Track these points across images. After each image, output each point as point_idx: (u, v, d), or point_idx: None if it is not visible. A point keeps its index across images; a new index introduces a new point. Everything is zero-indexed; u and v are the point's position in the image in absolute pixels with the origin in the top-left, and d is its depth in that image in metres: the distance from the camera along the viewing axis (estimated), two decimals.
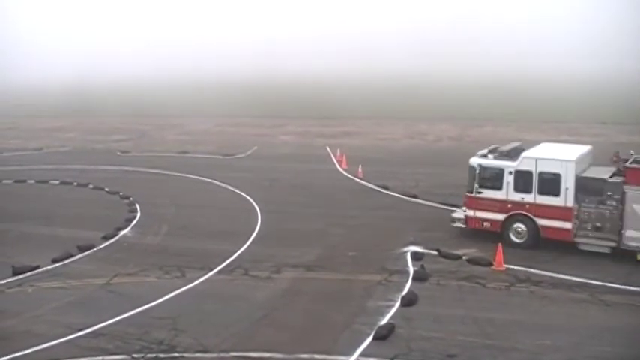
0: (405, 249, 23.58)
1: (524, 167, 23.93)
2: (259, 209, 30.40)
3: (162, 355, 15.76)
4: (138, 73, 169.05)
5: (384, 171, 38.65)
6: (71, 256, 23.92)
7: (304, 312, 18.49)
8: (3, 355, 15.78)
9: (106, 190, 36.08)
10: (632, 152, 23.78)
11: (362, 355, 15.65)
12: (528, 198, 23.87)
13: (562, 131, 51.38)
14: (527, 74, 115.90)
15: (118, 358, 15.77)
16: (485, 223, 24.91)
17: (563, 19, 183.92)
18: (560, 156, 23.86)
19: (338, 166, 41.94)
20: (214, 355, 15.73)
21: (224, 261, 22.75)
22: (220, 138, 58.74)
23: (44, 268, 22.62)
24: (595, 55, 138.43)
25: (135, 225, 28.42)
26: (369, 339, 16.28)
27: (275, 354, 15.61)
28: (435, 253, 23.07)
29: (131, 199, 33.17)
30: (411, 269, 21.42)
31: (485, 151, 25.51)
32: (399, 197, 32.23)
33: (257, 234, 26.44)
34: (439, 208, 29.71)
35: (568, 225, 23.07)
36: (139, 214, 30.08)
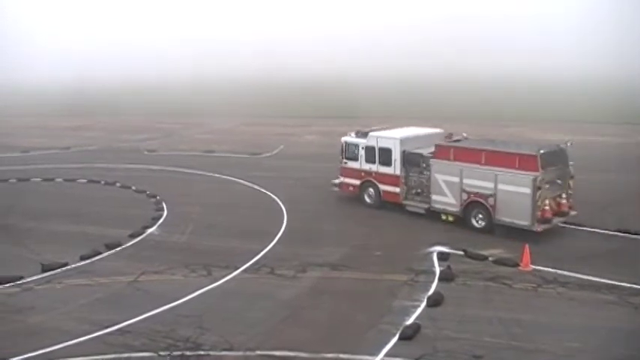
0: (431, 249, 23.69)
1: (370, 143, 30.67)
2: (285, 208, 30.69)
3: (188, 353, 16.00)
4: (161, 73, 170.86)
5: None
6: (99, 253, 24.33)
7: (330, 311, 18.67)
8: (32, 351, 16.14)
9: (133, 188, 36.62)
10: (464, 134, 29.67)
11: (387, 355, 15.77)
12: (373, 168, 30.52)
13: (587, 132, 51.18)
14: (542, 73, 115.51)
15: (144, 355, 16.03)
16: (350, 187, 31.93)
17: (578, 17, 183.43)
18: (393, 135, 30.29)
19: None
20: (240, 353, 15.94)
21: (250, 260, 23.01)
22: (246, 137, 59.17)
23: (72, 266, 23.04)
24: (613, 55, 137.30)
25: (161, 223, 28.84)
26: (395, 339, 16.41)
27: (300, 353, 15.77)
28: (461, 253, 23.14)
29: (158, 197, 33.65)
30: (437, 269, 21.53)
31: (353, 132, 32.26)
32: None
33: (283, 233, 26.71)
34: None
35: (397, 190, 29.53)
36: (165, 213, 30.51)
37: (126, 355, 16.07)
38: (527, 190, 24.23)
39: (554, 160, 25.58)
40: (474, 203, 26.23)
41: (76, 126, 73.45)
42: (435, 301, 18.78)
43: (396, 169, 29.49)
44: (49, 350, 16.28)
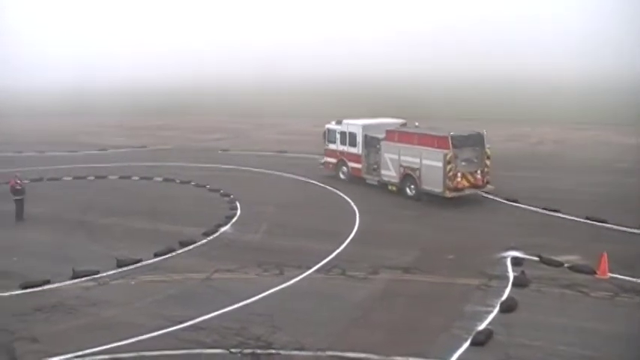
0: (505, 254, 23.21)
1: (343, 129, 38.32)
2: (357, 209, 30.66)
3: (259, 351, 16.08)
4: (234, 73, 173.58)
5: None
6: (173, 250, 24.78)
7: (401, 314, 18.46)
8: (106, 344, 16.54)
9: (207, 187, 37.27)
10: (416, 123, 36.10)
11: None
12: (345, 149, 38.04)
13: None
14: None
15: (215, 352, 16.19)
16: (330, 165, 39.58)
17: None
18: (358, 122, 37.98)
19: None
20: (310, 353, 15.93)
21: (322, 260, 23.03)
22: (318, 138, 59.31)
23: (146, 262, 23.55)
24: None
25: (235, 222, 29.20)
26: (467, 344, 16.09)
27: (371, 355, 15.63)
28: (536, 259, 22.54)
29: (231, 196, 34.11)
30: (511, 275, 21.03)
31: (334, 121, 39.51)
32: (499, 200, 31.81)
33: (355, 234, 26.65)
34: (541, 213, 29.12)
35: (359, 166, 36.95)
36: (239, 212, 30.88)
37: (197, 351, 16.27)
38: (440, 164, 30.75)
39: (469, 142, 31.62)
40: (407, 176, 33.13)
41: (151, 125, 75.33)
42: (508, 307, 18.33)
43: (359, 149, 36.94)
44: (122, 344, 16.62)
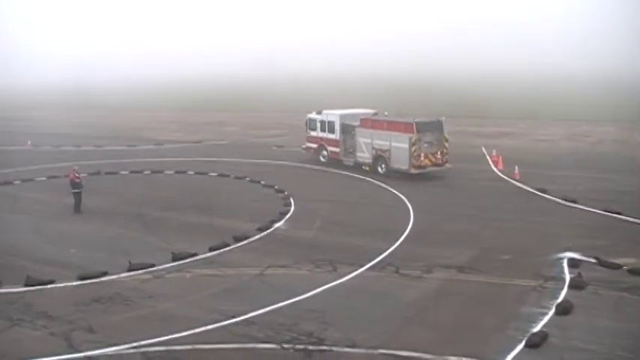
0: (562, 255, 22.83)
1: (323, 118, 44.24)
2: (412, 208, 30.58)
3: (311, 348, 16.21)
4: (303, 69, 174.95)
5: (542, 173, 37.86)
6: (227, 245, 25.12)
7: (455, 314, 18.39)
8: (162, 336, 16.93)
9: (262, 183, 37.66)
10: (386, 112, 43.16)
11: None
12: (325, 135, 44.13)
13: None
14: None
15: (268, 347, 16.37)
16: (311, 150, 45.76)
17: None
18: (336, 112, 44.11)
19: (493, 167, 41.40)
20: (362, 350, 15.99)
21: (375, 258, 23.06)
22: None
23: (201, 256, 23.95)
24: None
25: (289, 218, 29.47)
26: (521, 346, 15.92)
27: (423, 354, 15.60)
28: (594, 261, 22.13)
29: (286, 192, 34.42)
30: (567, 277, 20.69)
31: (314, 112, 45.44)
32: (557, 201, 31.28)
33: (409, 232, 26.61)
34: (599, 214, 28.58)
35: (337, 149, 43.11)
36: (292, 208, 31.16)
37: (250, 345, 16.49)
38: (406, 146, 37.11)
39: (430, 128, 38.13)
40: (379, 157, 39.50)
41: (211, 121, 76.32)
42: (564, 309, 18.06)
43: (337, 135, 43.00)
44: (176, 336, 16.97)
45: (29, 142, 59.51)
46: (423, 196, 33.13)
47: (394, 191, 34.39)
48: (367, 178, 38.23)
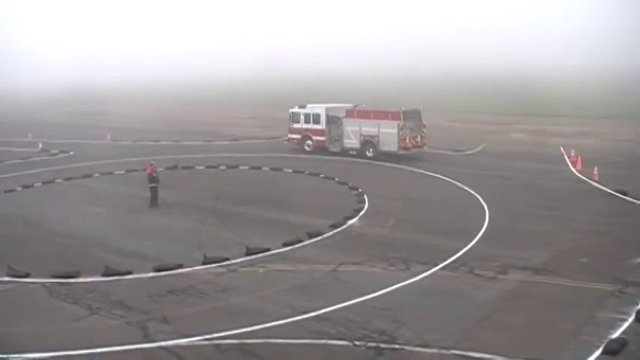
0: None
1: (307, 111, 49.68)
2: (487, 207, 30.14)
3: (382, 346, 16.18)
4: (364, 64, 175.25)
5: (623, 174, 36.79)
6: (300, 241, 25.32)
7: (529, 317, 17.98)
8: (234, 329, 17.22)
9: (336, 179, 37.79)
10: (364, 104, 49.82)
11: None
12: (309, 126, 49.34)
13: None
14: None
15: (340, 343, 16.43)
16: (294, 140, 50.79)
17: None
18: (321, 106, 49.79)
19: (572, 167, 40.38)
20: (434, 350, 15.88)
21: (449, 257, 22.85)
22: (450, 133, 58.92)
23: (275, 251, 24.18)
24: None
25: (362, 215, 29.47)
26: (598, 352, 15.46)
27: (496, 357, 15.37)
28: None
29: (359, 189, 34.43)
30: None
31: (297, 106, 50.99)
32: (638, 204, 30.33)
33: (484, 232, 26.24)
34: None
35: (324, 138, 48.38)
36: (366, 205, 31.15)
37: (322, 341, 16.59)
38: (395, 131, 43.77)
39: (412, 115, 44.87)
40: (367, 142, 45.65)
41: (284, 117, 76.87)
42: None
43: (323, 125, 48.45)
44: (249, 330, 17.22)
45: (108, 136, 61.29)
46: (499, 195, 32.57)
47: (469, 190, 33.96)
48: (442, 177, 37.87)
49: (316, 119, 48.85)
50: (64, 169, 44.57)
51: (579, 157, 40.77)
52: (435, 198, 32.97)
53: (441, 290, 20.08)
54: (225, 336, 16.95)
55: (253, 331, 17.17)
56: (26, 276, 22.17)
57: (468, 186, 34.79)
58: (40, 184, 39.61)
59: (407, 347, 16.11)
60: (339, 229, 27.18)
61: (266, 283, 21.10)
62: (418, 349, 16.05)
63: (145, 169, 34.22)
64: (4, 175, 42.80)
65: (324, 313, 18.29)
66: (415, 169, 40.71)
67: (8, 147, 57.15)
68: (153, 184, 32.59)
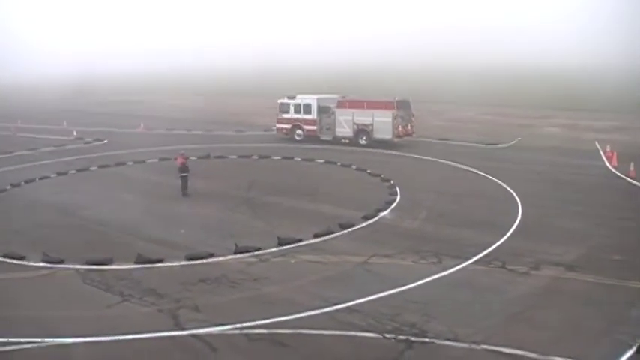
0: None
1: (297, 102, 51.54)
2: (520, 201, 29.90)
3: (412, 339, 16.18)
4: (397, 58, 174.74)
5: None
6: (332, 232, 25.36)
7: (561, 313, 17.83)
8: (265, 319, 17.33)
9: (368, 171, 37.78)
10: (348, 95, 52.12)
11: None
12: (300, 116, 51.21)
13: None
14: None
15: (370, 335, 16.47)
16: (284, 130, 52.59)
17: None
18: (312, 96, 51.84)
19: (607, 163, 39.93)
20: (465, 345, 15.84)
21: (481, 251, 22.73)
22: (484, 127, 58.63)
23: (306, 242, 24.28)
24: None
25: (394, 208, 29.43)
26: (631, 351, 15.26)
27: (528, 353, 15.28)
28: None
29: (392, 182, 34.38)
30: None
31: (286, 97, 52.66)
32: None
33: (517, 227, 26.04)
34: None
35: (315, 127, 50.52)
36: (398, 198, 31.09)
37: (352, 333, 16.64)
38: (390, 120, 46.31)
39: (404, 105, 47.74)
40: (360, 131, 48.05)
41: None
42: None
43: (314, 115, 50.54)
44: (280, 320, 17.33)
45: (142, 124, 61.90)
46: (532, 190, 32.25)
47: (502, 184, 33.71)
48: (474, 170, 37.65)
49: (307, 109, 50.90)
50: (98, 157, 45.15)
51: (615, 153, 40.25)
52: (467, 191, 32.79)
53: (473, 284, 19.99)
54: (256, 325, 17.07)
55: (283, 321, 17.27)
56: (61, 262, 22.57)
57: (501, 180, 34.53)
58: (74, 171, 40.21)
59: (437, 341, 16.09)
60: (371, 221, 27.18)
61: (297, 273, 21.21)
62: (448, 342, 16.01)
63: (175, 159, 34.48)
64: (40, 163, 43.56)
65: (355, 304, 18.32)
66: (448, 162, 40.46)
67: (44, 134, 58.11)
68: (183, 174, 32.83)
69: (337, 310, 18.01)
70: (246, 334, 16.66)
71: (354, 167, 39.34)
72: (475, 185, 34.38)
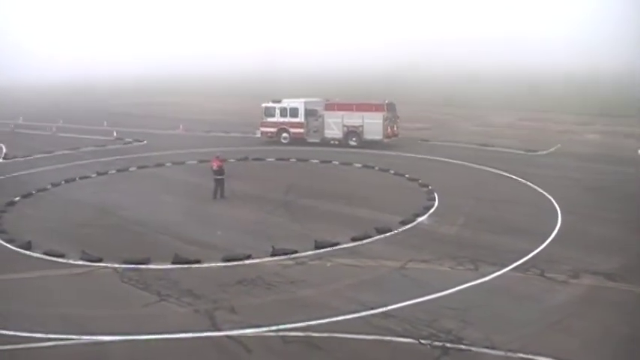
0: None
1: (283, 106, 52.70)
2: (559, 209, 29.50)
3: (448, 345, 16.17)
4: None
5: None
6: (369, 236, 25.39)
7: (599, 323, 17.62)
8: (301, 322, 17.48)
9: (406, 176, 37.64)
10: (328, 99, 53.42)
11: None
12: (286, 120, 52.36)
13: None
14: None
15: (405, 341, 16.49)
16: (268, 134, 53.37)
17: None
18: (299, 100, 52.98)
19: None
20: (501, 353, 15.76)
21: (519, 259, 22.53)
22: (523, 132, 58.05)
23: (343, 246, 24.32)
24: None
25: (432, 213, 29.30)
26: None
27: None
28: None
29: (430, 187, 34.21)
30: None
31: (270, 101, 53.94)
32: None
33: (556, 234, 25.73)
34: None
35: (302, 130, 51.82)
36: (436, 203, 30.95)
37: (387, 338, 16.68)
38: (380, 121, 48.52)
39: (391, 108, 49.90)
40: (350, 132, 49.85)
41: None
42: None
43: (301, 118, 51.77)
44: (315, 323, 17.46)
45: (181, 126, 62.60)
46: (572, 197, 31.83)
47: (541, 190, 33.31)
48: (513, 177, 37.24)
49: (294, 113, 52.20)
50: (138, 158, 45.79)
51: None
52: (506, 198, 32.48)
53: (510, 292, 19.87)
54: (291, 328, 17.21)
55: (319, 325, 17.39)
56: (99, 261, 22.99)
57: (540, 187, 34.11)
58: (114, 171, 40.86)
59: (473, 348, 16.06)
60: (408, 226, 27.13)
61: (333, 277, 21.28)
62: (484, 350, 15.97)
63: (211, 161, 34.38)
64: (81, 162, 44.35)
65: (391, 309, 18.36)
66: (487, 168, 40.13)
67: (84, 134, 59.06)
68: (219, 176, 33.04)
69: (373, 315, 18.05)
70: (281, 337, 16.80)
71: (391, 172, 39.20)
72: (514, 192, 34.04)
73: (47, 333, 17.22)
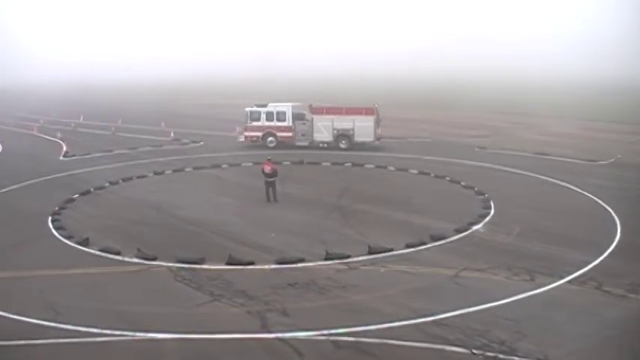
0: None
1: (270, 110, 53.10)
2: (619, 221, 28.83)
3: (501, 356, 16.05)
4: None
5: None
6: (423, 243, 25.31)
7: None
8: (352, 327, 17.55)
9: (462, 184, 37.33)
10: (312, 104, 54.67)
11: None
12: (273, 124, 52.68)
13: None
14: None
15: (457, 350, 16.44)
16: (252, 138, 53.23)
17: None
18: (286, 104, 54.19)
19: None
20: None
21: (576, 271, 22.17)
22: (582, 142, 56.92)
23: (397, 252, 24.30)
24: None
25: (488, 222, 29.02)
26: None
27: None
28: None
29: (486, 195, 33.85)
30: None
31: (253, 105, 54.01)
32: None
33: (615, 247, 25.17)
34: None
35: (290, 134, 52.66)
36: (492, 212, 30.63)
37: (439, 346, 16.65)
38: (371, 124, 50.92)
39: (377, 111, 51.48)
40: (341, 135, 51.65)
41: (411, 118, 76.88)
42: None
43: (289, 122, 52.47)
44: (367, 329, 17.52)
45: (237, 128, 63.27)
46: (633, 210, 31.15)
47: (601, 202, 32.62)
48: (572, 187, 36.55)
49: (281, 117, 52.71)
50: (194, 159, 46.47)
51: None
52: (564, 208, 31.87)
53: (567, 304, 19.57)
54: (343, 333, 17.30)
55: (370, 330, 17.44)
56: (154, 259, 23.47)
57: (600, 198, 33.40)
58: (170, 171, 41.57)
59: None
60: (463, 234, 26.94)
61: (386, 283, 21.31)
62: None
63: (263, 164, 34.37)
64: (138, 162, 45.24)
65: (444, 318, 18.30)
66: (544, 177, 39.47)
67: (143, 134, 60.22)
68: (270, 179, 33.29)
69: (425, 323, 18.03)
70: (332, 341, 16.90)
71: (447, 179, 38.89)
72: (573, 202, 33.42)
73: (102, 329, 17.65)
